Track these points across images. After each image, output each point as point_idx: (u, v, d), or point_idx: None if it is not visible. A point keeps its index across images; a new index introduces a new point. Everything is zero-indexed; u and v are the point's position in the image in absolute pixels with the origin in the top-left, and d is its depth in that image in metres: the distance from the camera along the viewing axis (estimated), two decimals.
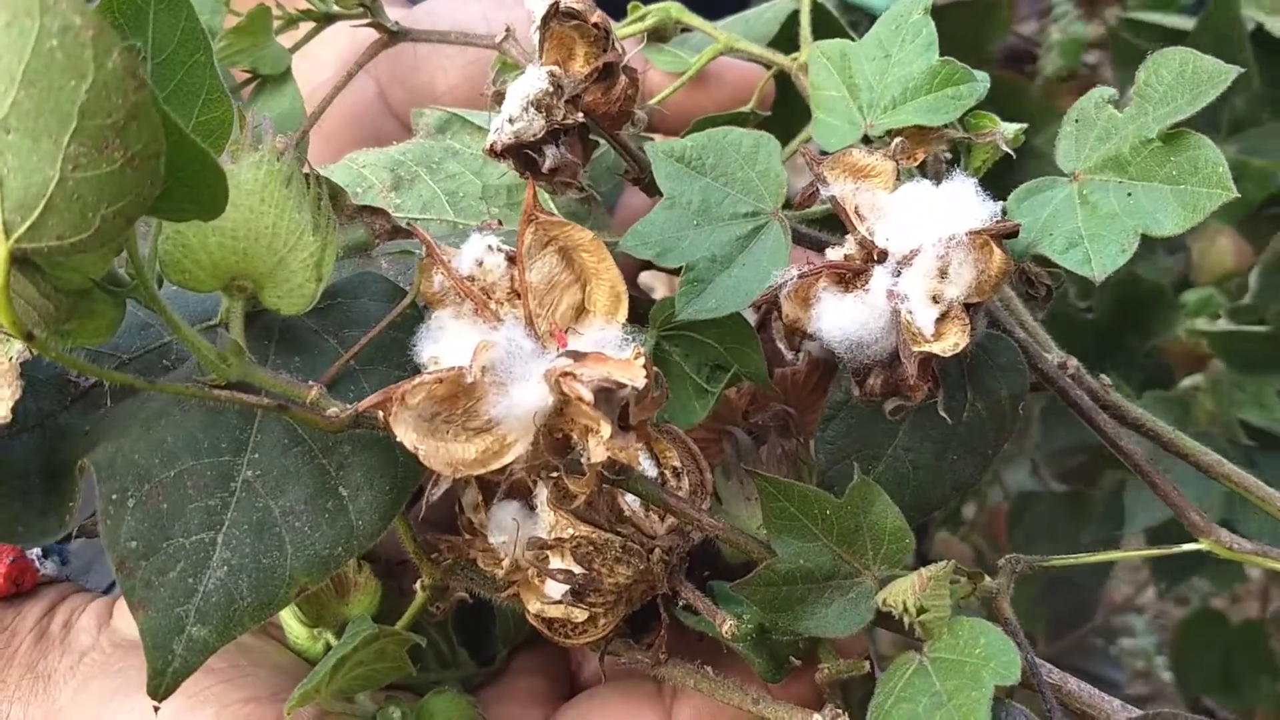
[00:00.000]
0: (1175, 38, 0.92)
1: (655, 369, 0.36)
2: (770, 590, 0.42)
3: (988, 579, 0.45)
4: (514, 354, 0.37)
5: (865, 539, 0.42)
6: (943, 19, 0.47)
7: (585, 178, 0.51)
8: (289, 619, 0.47)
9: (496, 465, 0.37)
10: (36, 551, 0.53)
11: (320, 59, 0.64)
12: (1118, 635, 2.04)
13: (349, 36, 0.61)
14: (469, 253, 0.38)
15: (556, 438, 0.38)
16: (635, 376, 0.34)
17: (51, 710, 0.45)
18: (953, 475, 0.46)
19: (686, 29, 0.60)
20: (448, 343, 0.38)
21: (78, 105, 0.28)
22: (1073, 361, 0.47)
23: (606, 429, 0.34)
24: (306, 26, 0.59)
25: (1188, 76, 0.40)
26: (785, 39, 0.60)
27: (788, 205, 0.47)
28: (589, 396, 0.33)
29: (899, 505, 0.44)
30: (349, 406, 0.38)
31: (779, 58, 0.56)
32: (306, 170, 0.41)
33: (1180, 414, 0.90)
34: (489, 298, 0.38)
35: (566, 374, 0.34)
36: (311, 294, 0.39)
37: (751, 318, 0.48)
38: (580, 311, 0.39)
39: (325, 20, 0.58)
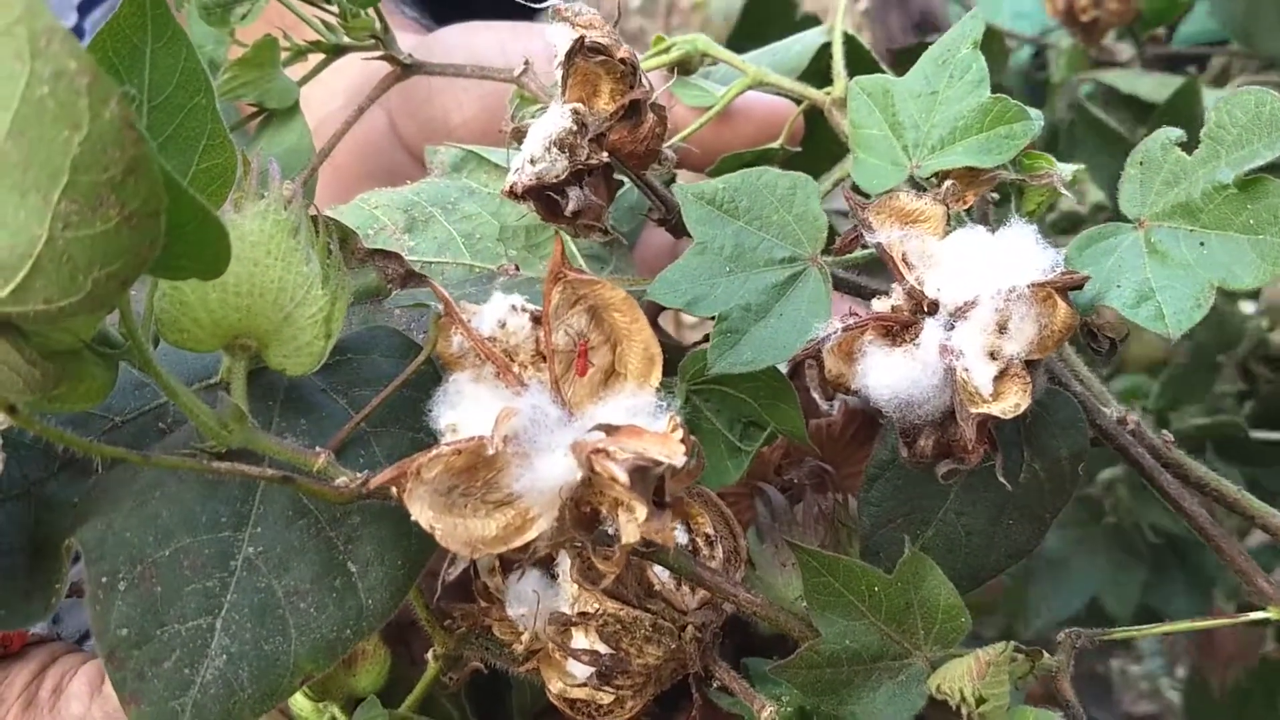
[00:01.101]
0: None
1: (693, 439, 0.33)
2: (813, 673, 0.39)
3: (1046, 656, 0.42)
4: (539, 422, 0.34)
5: (916, 617, 0.39)
6: None
7: (609, 219, 0.48)
8: None
9: (519, 542, 0.34)
10: None
11: (331, 87, 0.62)
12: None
13: (361, 63, 0.59)
14: (491, 313, 0.35)
15: (584, 512, 0.35)
16: (674, 453, 0.31)
17: None
18: (1008, 541, 0.43)
19: (712, 62, 0.57)
20: (467, 409, 0.35)
21: (70, 158, 0.25)
22: (1133, 416, 0.44)
23: (642, 511, 0.31)
24: (316, 58, 0.56)
25: (1264, 119, 0.37)
26: (815, 73, 0.57)
27: (827, 250, 0.44)
28: (625, 478, 0.30)
29: (950, 574, 0.41)
30: (359, 476, 0.35)
31: (811, 92, 0.53)
32: (314, 214, 0.38)
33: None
34: (512, 360, 0.35)
35: (599, 450, 0.31)
36: (320, 352, 0.36)
37: (783, 365, 0.45)
38: (610, 375, 0.36)
39: (335, 52, 0.55)
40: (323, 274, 0.37)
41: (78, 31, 0.79)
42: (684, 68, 0.57)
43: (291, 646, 0.34)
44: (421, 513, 0.32)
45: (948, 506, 0.42)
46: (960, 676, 0.38)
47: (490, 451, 0.33)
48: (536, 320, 0.35)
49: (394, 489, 0.32)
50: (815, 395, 0.43)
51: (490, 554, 0.34)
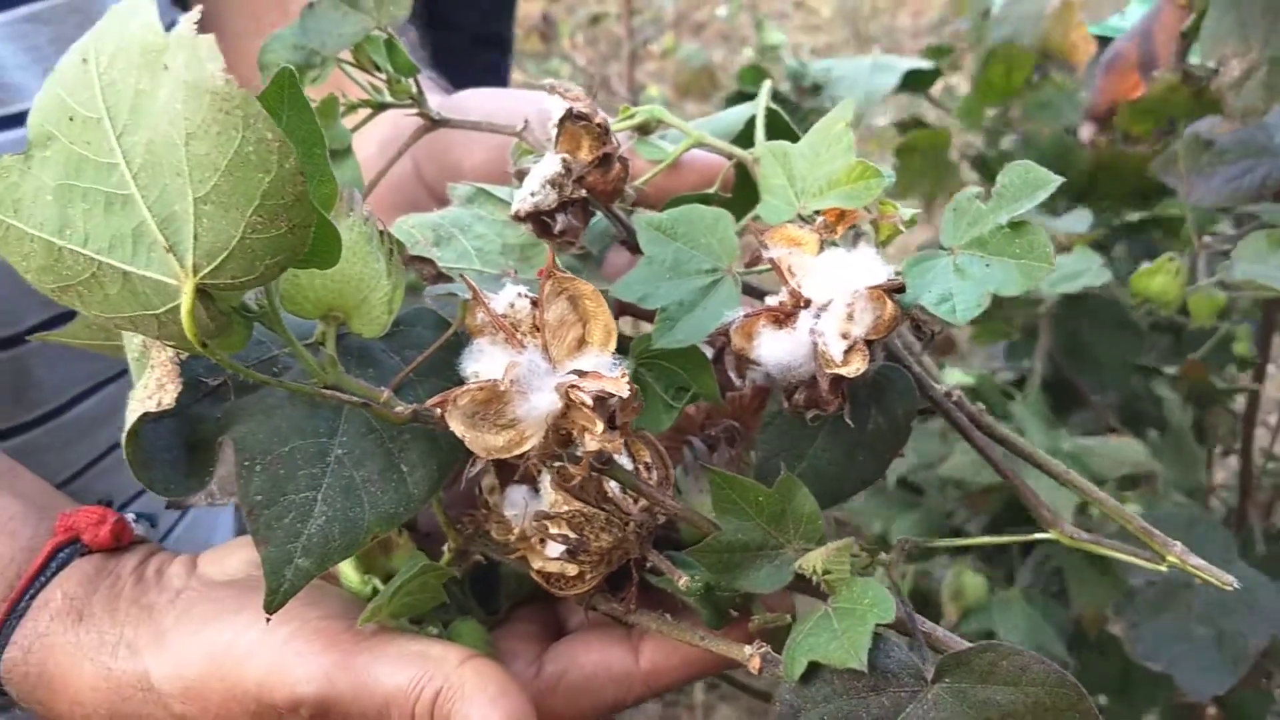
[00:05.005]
0: None
1: (635, 386, 0.50)
2: (715, 556, 0.56)
3: (884, 554, 0.59)
4: (533, 371, 0.51)
5: (788, 520, 0.56)
6: None
7: (584, 240, 0.65)
8: (345, 568, 0.61)
9: (518, 451, 0.51)
10: (131, 515, 0.64)
11: (368, 136, 0.79)
12: None
13: (389, 121, 0.75)
14: (503, 298, 0.52)
15: (561, 434, 0.52)
16: (622, 389, 0.48)
17: (158, 631, 0.57)
18: (859, 472, 0.60)
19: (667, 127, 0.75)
20: (485, 363, 0.52)
21: (261, 190, 0.42)
22: (956, 391, 0.62)
23: (600, 426, 0.48)
24: (364, 112, 0.73)
25: (1029, 182, 0.54)
26: (746, 136, 0.75)
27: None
28: (590, 401, 0.47)
29: (817, 495, 0.58)
30: (411, 405, 0.52)
31: (739, 151, 0.71)
32: (381, 228, 0.55)
33: None
34: (516, 330, 0.52)
35: (574, 386, 0.48)
36: (385, 323, 0.54)
37: (710, 354, 0.62)
38: (582, 343, 0.53)
39: (380, 108, 0.73)
40: (388, 269, 0.54)
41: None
42: (644, 129, 0.75)
43: (366, 515, 0.51)
44: (456, 426, 0.50)
45: (816, 446, 0.60)
46: (815, 558, 0.55)
47: (501, 389, 0.50)
48: (534, 303, 0.52)
49: (438, 410, 0.50)
50: (732, 375, 0.61)
51: (500, 457, 0.51)
